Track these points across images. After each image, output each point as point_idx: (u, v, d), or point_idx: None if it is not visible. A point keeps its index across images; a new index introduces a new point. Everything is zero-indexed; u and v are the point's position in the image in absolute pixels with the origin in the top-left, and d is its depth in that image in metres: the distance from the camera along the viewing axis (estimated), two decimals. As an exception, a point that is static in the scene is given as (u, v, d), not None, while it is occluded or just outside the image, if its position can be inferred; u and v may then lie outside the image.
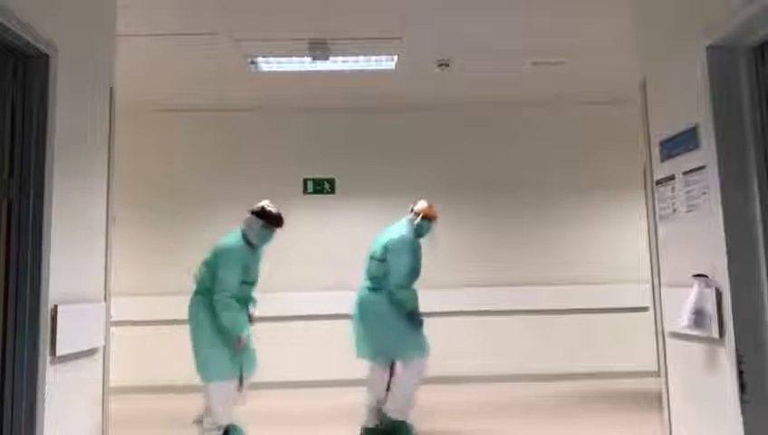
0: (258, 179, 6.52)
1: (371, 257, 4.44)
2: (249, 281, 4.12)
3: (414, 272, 4.35)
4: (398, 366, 4.31)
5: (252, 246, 4.14)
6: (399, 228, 4.43)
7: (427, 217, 4.42)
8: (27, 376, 2.27)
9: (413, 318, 4.29)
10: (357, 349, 4.38)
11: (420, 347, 4.30)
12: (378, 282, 4.36)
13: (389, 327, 4.29)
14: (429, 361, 4.36)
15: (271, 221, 4.13)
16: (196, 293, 4.11)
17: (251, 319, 4.17)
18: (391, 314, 4.28)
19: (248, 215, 4.16)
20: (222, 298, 3.94)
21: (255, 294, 4.23)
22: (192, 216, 6.52)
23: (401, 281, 4.27)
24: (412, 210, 4.47)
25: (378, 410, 4.32)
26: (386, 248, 4.36)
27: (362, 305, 4.39)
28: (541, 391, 5.87)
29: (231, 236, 4.15)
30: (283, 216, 4.18)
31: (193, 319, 4.06)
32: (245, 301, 4.15)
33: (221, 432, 3.99)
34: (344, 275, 6.38)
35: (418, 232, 4.43)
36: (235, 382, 3.97)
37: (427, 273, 6.63)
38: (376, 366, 4.35)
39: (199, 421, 4.04)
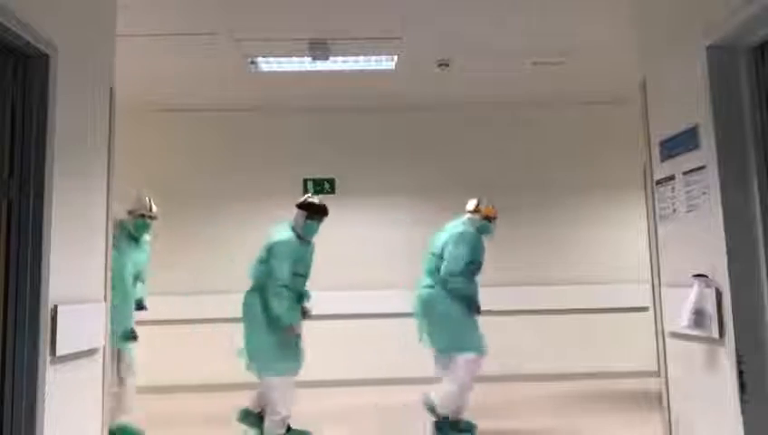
0: (258, 179, 6.53)
1: (432, 254, 4.53)
2: (301, 273, 4.27)
3: (473, 264, 4.41)
4: (454, 362, 4.34)
5: (302, 239, 4.29)
6: (459, 225, 4.51)
7: (490, 217, 4.52)
8: (27, 376, 2.27)
9: (470, 307, 4.37)
10: (428, 343, 4.48)
11: (478, 345, 4.35)
12: (436, 277, 4.45)
13: (451, 322, 4.37)
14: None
15: (312, 211, 4.30)
16: (251, 290, 4.26)
17: (305, 313, 4.34)
18: (453, 309, 4.36)
19: (295, 209, 4.34)
20: (275, 288, 4.10)
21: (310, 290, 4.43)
22: (192, 216, 6.52)
23: (456, 268, 4.33)
24: (475, 210, 4.53)
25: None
26: (446, 244, 4.45)
27: (424, 304, 4.48)
28: (540, 390, 5.87)
29: (281, 230, 4.30)
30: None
31: (247, 317, 4.22)
32: (299, 294, 4.28)
33: (286, 428, 4.13)
34: (345, 276, 6.39)
35: (482, 231, 4.51)
36: (293, 378, 4.14)
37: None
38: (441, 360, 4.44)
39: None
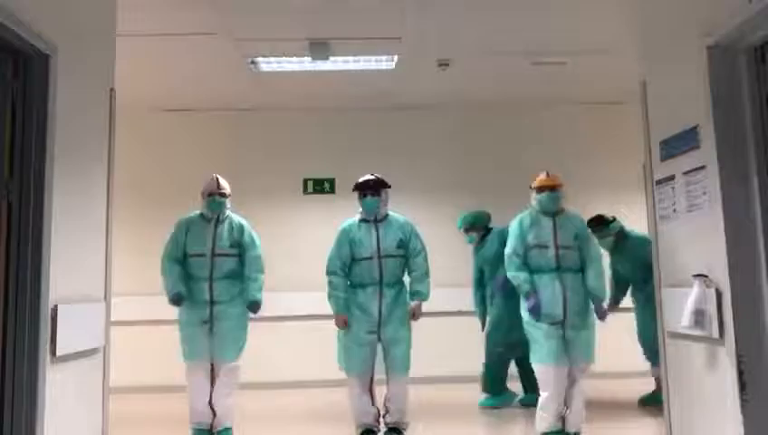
0: (258, 179, 6.52)
1: None
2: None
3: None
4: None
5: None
6: None
7: (536, 188, 4.25)
8: (27, 376, 2.27)
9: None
10: None
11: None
12: None
13: None
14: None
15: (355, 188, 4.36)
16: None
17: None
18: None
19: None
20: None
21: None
22: (192, 216, 6.51)
23: None
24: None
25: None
26: None
27: None
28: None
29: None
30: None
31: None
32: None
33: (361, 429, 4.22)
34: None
35: (540, 207, 4.26)
36: (354, 379, 4.35)
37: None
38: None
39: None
